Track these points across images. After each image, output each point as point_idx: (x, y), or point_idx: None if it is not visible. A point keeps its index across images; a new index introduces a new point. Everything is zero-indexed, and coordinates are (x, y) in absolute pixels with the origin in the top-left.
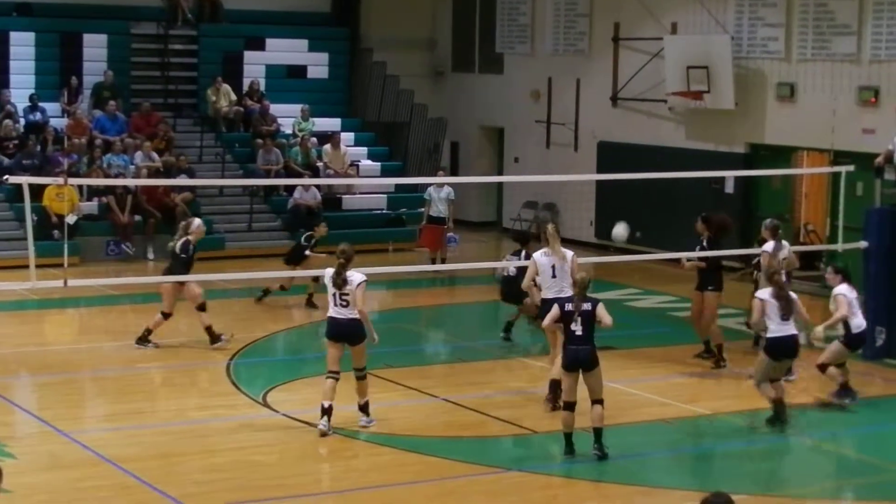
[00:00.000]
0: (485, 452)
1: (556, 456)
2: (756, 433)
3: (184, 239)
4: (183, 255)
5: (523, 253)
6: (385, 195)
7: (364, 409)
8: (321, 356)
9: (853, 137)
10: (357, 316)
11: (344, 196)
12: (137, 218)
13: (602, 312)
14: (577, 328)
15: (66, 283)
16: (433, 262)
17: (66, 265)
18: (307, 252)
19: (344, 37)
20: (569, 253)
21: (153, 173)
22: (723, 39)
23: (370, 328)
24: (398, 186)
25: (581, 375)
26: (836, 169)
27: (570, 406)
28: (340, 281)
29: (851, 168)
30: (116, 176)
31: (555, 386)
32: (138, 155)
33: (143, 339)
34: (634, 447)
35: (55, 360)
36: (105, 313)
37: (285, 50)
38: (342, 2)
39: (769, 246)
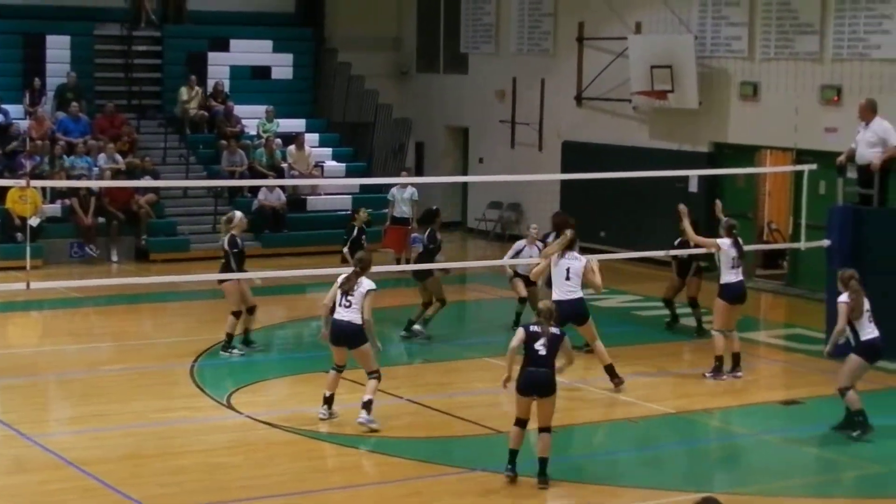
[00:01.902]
0: (450, 453)
1: (520, 456)
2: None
3: (229, 234)
4: (234, 250)
5: (428, 231)
6: (350, 196)
7: (366, 406)
8: (286, 358)
9: (816, 136)
10: (358, 321)
11: (308, 197)
12: (101, 220)
13: (568, 345)
14: (541, 348)
15: (28, 285)
16: (398, 262)
17: (28, 268)
18: (344, 250)
19: (308, 37)
20: (583, 258)
21: (117, 175)
22: (686, 39)
23: (373, 338)
24: (363, 187)
25: (535, 402)
26: (799, 168)
27: (523, 423)
28: (349, 286)
29: (814, 167)
30: (80, 178)
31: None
32: (102, 157)
33: (227, 346)
34: (599, 446)
35: (19, 363)
36: (69, 316)
37: (249, 51)
38: (306, 2)
39: (725, 242)
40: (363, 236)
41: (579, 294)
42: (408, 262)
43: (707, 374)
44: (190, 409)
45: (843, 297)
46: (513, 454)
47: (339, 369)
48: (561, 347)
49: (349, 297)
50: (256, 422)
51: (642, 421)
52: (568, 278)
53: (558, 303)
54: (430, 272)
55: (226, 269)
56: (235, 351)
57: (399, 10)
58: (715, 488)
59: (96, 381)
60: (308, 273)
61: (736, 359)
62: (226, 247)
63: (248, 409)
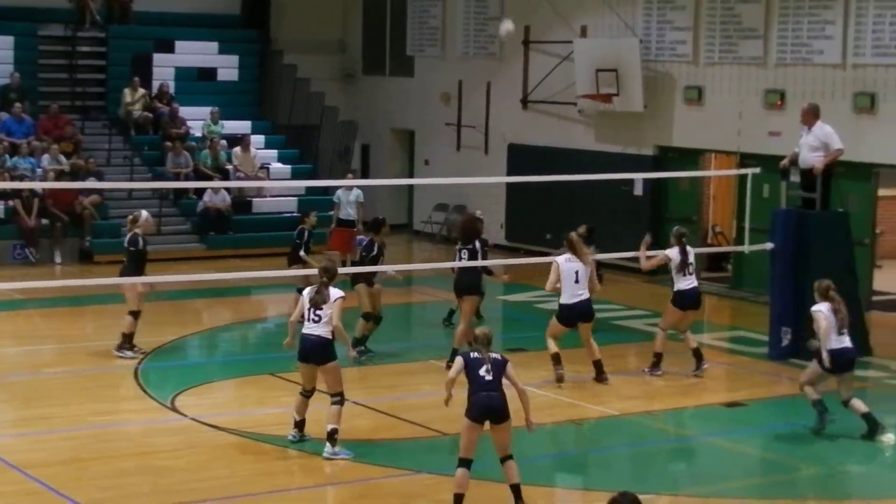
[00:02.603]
0: (396, 455)
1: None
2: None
3: (131, 233)
4: (131, 248)
5: (367, 241)
6: (295, 198)
7: (331, 437)
8: (230, 360)
9: (760, 140)
10: (327, 335)
11: (254, 199)
12: (45, 221)
13: (512, 372)
14: (486, 374)
15: None
16: (343, 264)
17: None
18: (302, 253)
19: (254, 39)
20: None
21: (61, 176)
22: (632, 43)
23: (346, 341)
24: (309, 189)
25: (490, 428)
26: (743, 171)
27: (467, 463)
28: (320, 299)
29: (758, 170)
30: (23, 179)
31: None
32: (45, 158)
33: (122, 346)
34: (544, 448)
35: None
36: (11, 318)
37: (195, 52)
38: (252, 4)
39: (673, 252)
40: (312, 239)
41: (587, 295)
42: (353, 263)
43: (645, 370)
44: (133, 411)
45: (823, 308)
46: (458, 499)
47: (308, 394)
48: (504, 374)
49: (318, 312)
50: (201, 424)
51: (586, 423)
52: (577, 281)
53: (570, 306)
54: (366, 280)
55: (125, 268)
56: (129, 353)
57: (345, 12)
58: (658, 490)
59: (39, 384)
60: (253, 275)
61: (697, 355)
62: (125, 244)
63: (192, 411)
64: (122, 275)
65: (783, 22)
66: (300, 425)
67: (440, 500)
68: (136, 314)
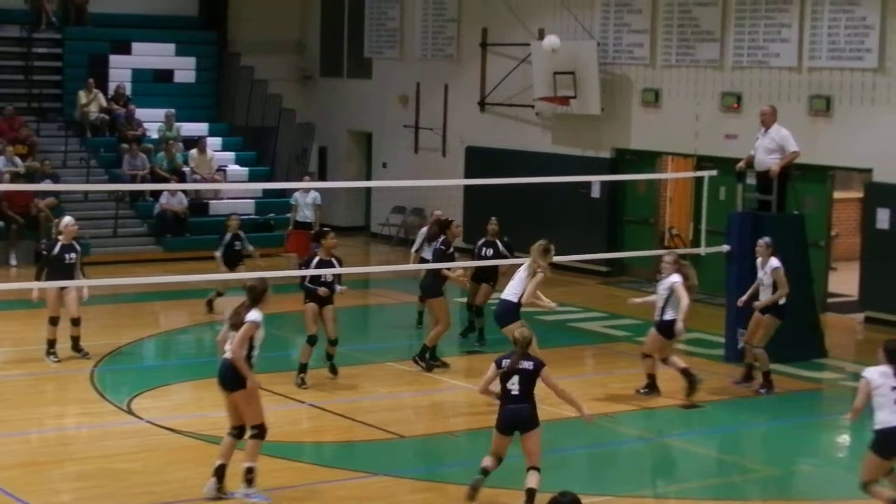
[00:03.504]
0: (352, 457)
1: (422, 460)
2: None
3: (53, 238)
4: (44, 253)
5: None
6: (253, 200)
7: (248, 476)
8: (187, 363)
9: (716, 143)
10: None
11: (211, 201)
12: (0, 223)
13: (548, 377)
14: (513, 387)
15: None
16: (301, 267)
17: None
18: (216, 254)
19: (211, 41)
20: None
21: (16, 178)
22: (589, 45)
23: (247, 374)
24: (266, 191)
25: (520, 437)
26: (700, 174)
27: (486, 472)
28: (236, 321)
29: (714, 173)
30: None
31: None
32: (0, 159)
33: (49, 351)
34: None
35: None
36: None
37: (152, 54)
38: (209, 5)
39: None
40: (236, 242)
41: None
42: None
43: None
44: (89, 414)
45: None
46: (485, 471)
47: (236, 432)
48: (541, 379)
49: (233, 334)
50: (157, 427)
51: (544, 424)
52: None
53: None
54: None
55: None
56: (52, 358)
57: (302, 14)
58: (615, 491)
59: None
60: (210, 278)
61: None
62: (42, 250)
63: (148, 414)
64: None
65: (740, 25)
66: (219, 473)
67: (395, 502)
68: (53, 320)
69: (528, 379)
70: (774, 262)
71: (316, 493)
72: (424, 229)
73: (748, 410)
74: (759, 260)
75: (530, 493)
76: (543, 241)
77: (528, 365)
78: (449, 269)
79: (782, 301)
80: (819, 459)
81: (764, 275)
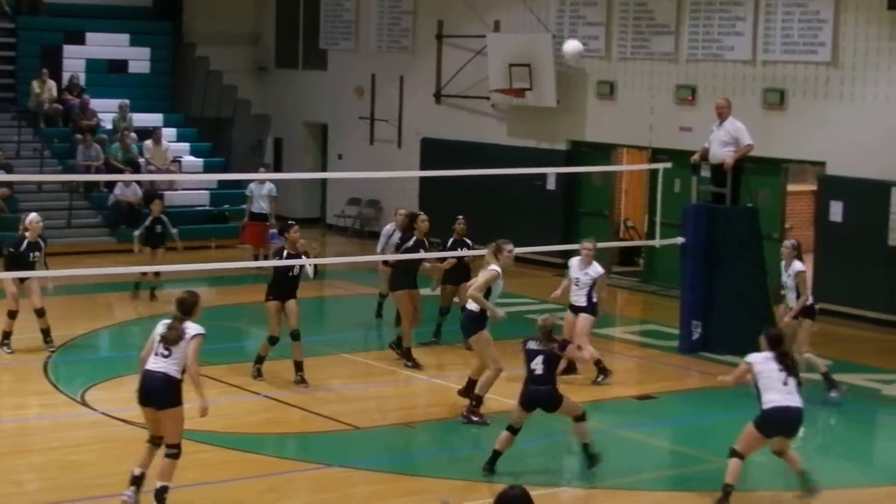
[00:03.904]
0: (307, 449)
1: (377, 451)
2: None
3: (21, 235)
4: (10, 249)
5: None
6: (208, 191)
7: (160, 496)
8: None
9: (671, 135)
10: (176, 375)
11: (166, 192)
12: None
13: (569, 353)
14: (537, 367)
15: None
16: (255, 258)
17: None
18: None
19: (166, 31)
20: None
21: None
22: (545, 38)
23: (202, 393)
24: (221, 183)
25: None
26: (655, 166)
27: (515, 430)
28: (174, 336)
29: (669, 165)
30: None
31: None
32: None
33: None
34: (454, 442)
35: None
36: None
37: (106, 44)
38: None
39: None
40: (158, 225)
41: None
42: (265, 257)
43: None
44: (43, 406)
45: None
46: (496, 455)
47: (156, 442)
48: (566, 355)
49: (171, 347)
50: (111, 418)
51: (497, 416)
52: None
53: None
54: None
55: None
56: (6, 349)
57: (258, 5)
58: (569, 483)
59: None
60: (164, 269)
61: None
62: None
63: (102, 405)
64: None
65: (694, 18)
66: (138, 481)
67: (351, 493)
68: (11, 314)
69: (551, 361)
70: (798, 265)
71: (271, 484)
72: (388, 227)
73: (701, 402)
74: (783, 263)
75: (586, 448)
76: (494, 243)
77: (550, 348)
78: (423, 261)
79: (810, 301)
80: (767, 450)
81: (788, 277)
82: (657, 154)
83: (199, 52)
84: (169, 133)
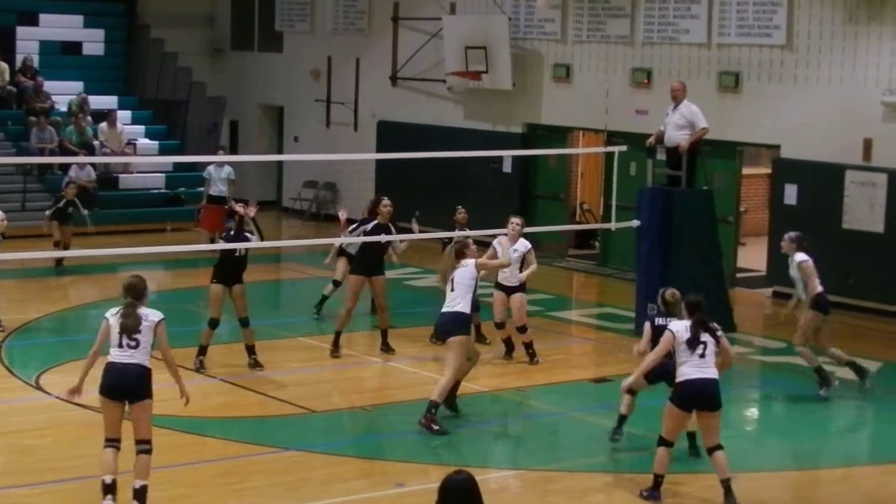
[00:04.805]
0: (263, 432)
1: (334, 434)
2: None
3: None
4: None
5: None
6: (163, 174)
7: (139, 496)
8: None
9: (626, 118)
10: (148, 365)
11: (121, 175)
12: None
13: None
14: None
15: None
16: (212, 241)
17: None
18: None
19: (120, 13)
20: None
21: None
22: (500, 20)
23: (181, 382)
24: (177, 165)
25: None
26: (610, 149)
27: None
28: (132, 323)
29: (624, 148)
30: None
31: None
32: None
33: None
34: (410, 425)
35: None
36: None
37: (60, 26)
38: None
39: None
40: (70, 208)
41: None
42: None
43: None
44: None
45: (805, 258)
46: (622, 419)
47: (115, 444)
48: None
49: (135, 336)
50: (66, 403)
51: (457, 399)
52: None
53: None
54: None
55: None
56: None
57: None
58: (524, 465)
59: None
60: (119, 252)
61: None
62: None
63: (57, 389)
64: None
65: (650, 1)
66: (112, 490)
67: (308, 477)
68: None
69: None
70: (800, 256)
71: (227, 468)
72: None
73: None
74: (789, 257)
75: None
76: (452, 248)
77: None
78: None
79: (819, 290)
80: (728, 432)
81: (792, 269)
82: (613, 137)
83: (153, 33)
84: (124, 115)
